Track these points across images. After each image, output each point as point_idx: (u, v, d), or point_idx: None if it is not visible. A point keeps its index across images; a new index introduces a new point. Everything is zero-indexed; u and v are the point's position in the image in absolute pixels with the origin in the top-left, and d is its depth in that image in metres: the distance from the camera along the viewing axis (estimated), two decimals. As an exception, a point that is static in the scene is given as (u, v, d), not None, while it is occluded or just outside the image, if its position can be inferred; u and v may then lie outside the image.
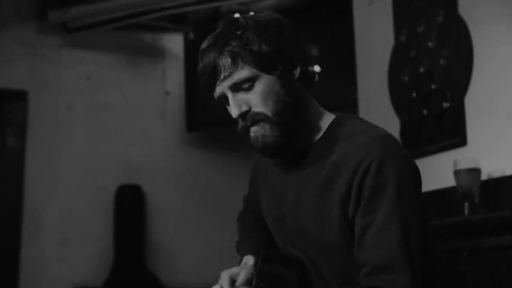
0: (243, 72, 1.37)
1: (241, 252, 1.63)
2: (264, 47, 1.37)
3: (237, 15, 1.45)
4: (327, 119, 1.48)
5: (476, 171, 2.49)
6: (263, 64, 1.37)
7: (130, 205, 4.45)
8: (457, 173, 2.51)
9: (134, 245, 4.40)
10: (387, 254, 1.30)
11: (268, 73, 1.38)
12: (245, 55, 1.36)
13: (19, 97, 4.36)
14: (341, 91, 4.03)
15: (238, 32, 1.38)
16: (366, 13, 3.51)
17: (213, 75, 1.39)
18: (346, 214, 1.36)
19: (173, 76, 4.78)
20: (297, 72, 1.42)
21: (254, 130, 1.41)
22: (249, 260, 1.54)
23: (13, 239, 4.20)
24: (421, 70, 3.02)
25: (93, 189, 4.42)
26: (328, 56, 4.39)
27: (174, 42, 4.80)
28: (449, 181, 2.57)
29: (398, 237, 1.30)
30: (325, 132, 1.46)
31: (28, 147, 4.33)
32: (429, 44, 2.99)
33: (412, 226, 1.32)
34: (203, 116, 4.62)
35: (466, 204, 2.46)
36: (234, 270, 1.50)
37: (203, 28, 4.54)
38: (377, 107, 3.28)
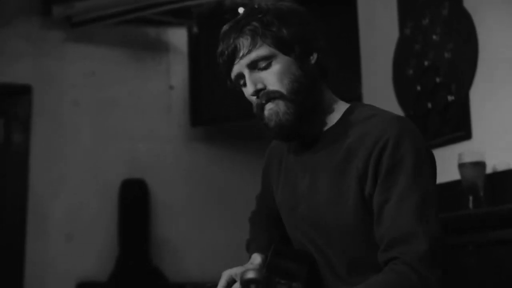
0: (262, 50, 1.41)
1: (250, 251, 1.64)
2: (283, 29, 1.41)
3: (257, 4, 1.48)
4: (342, 106, 1.51)
5: (481, 165, 2.48)
6: (282, 45, 1.41)
7: (134, 200, 4.45)
8: (461, 166, 2.50)
9: (139, 240, 4.40)
10: (404, 227, 1.31)
11: (286, 54, 1.42)
12: (265, 34, 1.41)
13: (24, 92, 4.36)
14: (346, 85, 4.02)
15: (260, 16, 1.42)
16: (371, 6, 3.49)
17: (232, 54, 1.43)
18: (363, 193, 1.37)
19: (177, 71, 4.77)
20: (314, 58, 1.46)
21: (269, 108, 1.43)
22: (255, 258, 1.55)
23: (18, 234, 4.21)
24: (426, 63, 3.01)
25: (97, 184, 4.43)
26: (332, 50, 4.38)
27: (178, 36, 4.80)
28: (454, 175, 2.56)
29: (415, 209, 1.31)
30: (340, 119, 1.48)
31: (32, 142, 4.34)
32: (434, 37, 2.97)
33: (429, 199, 1.33)
34: (207, 110, 4.61)
35: (471, 198, 2.45)
36: (235, 270, 1.50)
37: (207, 22, 4.53)
38: (381, 101, 3.26)
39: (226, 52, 1.44)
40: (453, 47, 2.86)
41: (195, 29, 4.67)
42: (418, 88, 3.04)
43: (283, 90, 1.41)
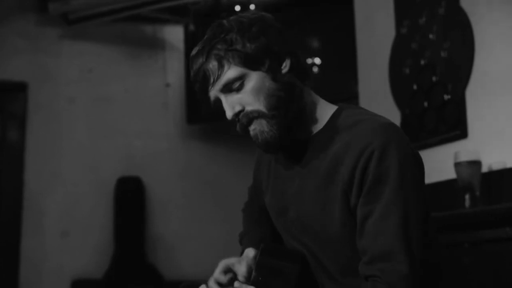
0: (231, 73, 1.39)
1: (243, 244, 1.64)
2: (248, 45, 1.39)
3: (222, 19, 1.46)
4: (329, 110, 1.48)
5: (477, 164, 2.49)
6: (249, 61, 1.39)
7: (130, 197, 4.45)
8: (457, 165, 2.51)
9: (134, 237, 4.40)
10: (386, 243, 1.30)
11: (256, 69, 1.40)
12: (230, 55, 1.38)
13: (19, 88, 4.35)
14: (342, 84, 4.03)
15: (222, 35, 1.40)
16: (368, 5, 3.49)
17: (204, 81, 1.42)
18: (348, 203, 1.37)
19: (174, 68, 4.77)
20: (287, 65, 1.43)
21: (252, 128, 1.42)
22: (250, 252, 1.55)
23: (13, 231, 4.20)
24: (423, 62, 3.01)
25: (93, 181, 4.42)
26: (329, 48, 4.38)
27: (175, 34, 4.79)
28: (450, 174, 2.57)
29: (398, 226, 1.30)
30: (326, 123, 1.46)
31: (28, 139, 4.33)
32: (431, 36, 2.98)
33: (413, 215, 1.32)
34: (204, 108, 4.60)
35: (467, 197, 2.46)
36: (233, 260, 1.51)
37: (204, 19, 4.53)
38: (378, 100, 3.27)
39: (197, 80, 1.43)
40: (449, 46, 2.86)
41: (191, 27, 4.67)
42: (415, 87, 3.05)
43: (262, 108, 1.40)
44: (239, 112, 1.41)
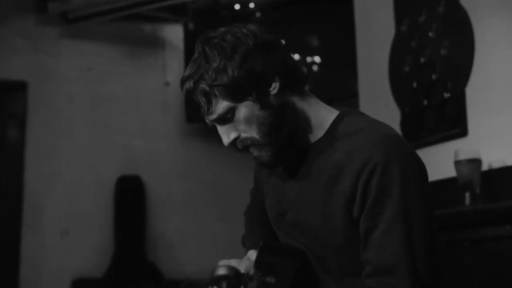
0: (220, 107, 1.39)
1: (246, 246, 1.65)
2: (232, 76, 1.36)
3: (205, 42, 1.41)
4: (329, 116, 1.48)
5: (476, 162, 2.49)
6: (235, 94, 1.38)
7: (130, 196, 4.45)
8: (457, 163, 2.51)
9: (134, 236, 4.40)
10: (390, 258, 1.31)
11: (243, 100, 1.39)
12: (216, 90, 1.38)
13: (19, 88, 4.34)
14: (342, 82, 4.02)
15: (207, 66, 1.38)
16: (367, 3, 3.49)
17: (196, 106, 1.43)
18: (350, 215, 1.37)
19: (173, 67, 4.76)
20: (276, 86, 1.40)
21: (250, 152, 1.45)
22: (251, 255, 1.55)
23: (13, 230, 4.19)
24: (422, 60, 3.01)
25: (93, 180, 4.42)
26: (329, 46, 4.38)
27: (174, 33, 4.78)
28: (450, 172, 2.57)
29: (402, 242, 1.31)
30: (328, 130, 1.46)
31: (28, 138, 4.32)
32: (430, 34, 2.98)
33: (417, 232, 1.32)
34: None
35: (467, 195, 2.46)
36: (232, 262, 1.50)
37: (203, 18, 4.52)
38: (377, 98, 3.27)
39: (190, 102, 1.44)
40: (449, 44, 2.86)
41: (191, 26, 4.67)
42: (414, 85, 3.04)
43: (255, 135, 1.41)
44: (235, 139, 1.43)
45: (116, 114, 4.57)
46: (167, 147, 4.68)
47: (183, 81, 1.42)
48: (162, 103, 4.72)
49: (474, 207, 2.40)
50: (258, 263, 1.44)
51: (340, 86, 3.99)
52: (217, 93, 1.38)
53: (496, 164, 2.55)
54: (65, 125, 4.43)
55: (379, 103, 3.22)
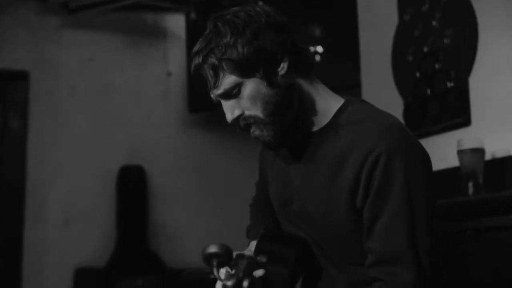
0: (226, 82, 1.39)
1: (250, 237, 1.65)
2: (242, 52, 1.37)
3: (219, 18, 1.43)
4: (334, 104, 1.47)
5: (480, 151, 2.48)
6: (243, 70, 1.38)
7: (132, 186, 4.46)
8: (461, 153, 2.50)
9: (136, 226, 4.41)
10: (394, 248, 1.31)
11: (251, 76, 1.39)
12: (224, 64, 1.38)
13: (21, 78, 4.34)
14: (345, 72, 4.01)
15: (217, 40, 1.38)
16: (370, -8, 3.47)
17: (204, 80, 1.43)
18: (354, 204, 1.37)
19: (175, 57, 4.76)
20: (285, 66, 1.41)
21: (252, 131, 1.43)
22: (253, 246, 1.54)
23: (16, 220, 4.21)
24: (425, 49, 3.00)
25: (95, 170, 4.42)
26: (331, 36, 4.37)
27: (176, 22, 4.77)
28: (453, 161, 2.56)
29: (406, 233, 1.31)
30: (332, 118, 1.46)
31: (30, 128, 4.33)
32: (434, 23, 2.96)
33: (420, 222, 1.33)
34: (205, 97, 4.56)
35: (470, 184, 2.45)
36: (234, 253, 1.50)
37: (205, 7, 4.50)
38: (380, 87, 3.26)
39: (197, 77, 1.44)
40: (452, 33, 2.85)
41: (193, 15, 4.65)
42: (417, 74, 3.03)
43: (259, 114, 1.40)
44: (238, 116, 1.42)
45: (118, 104, 4.57)
46: (169, 137, 4.68)
47: (192, 55, 1.43)
48: (164, 93, 4.72)
49: (477, 196, 2.40)
50: (258, 251, 1.44)
51: (342, 75, 3.97)
52: (225, 67, 1.38)
53: (500, 154, 2.54)
54: (67, 115, 4.43)
55: (381, 92, 3.21)
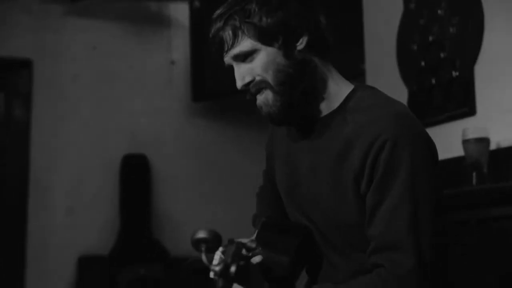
0: (244, 45, 1.40)
1: (255, 226, 1.65)
2: (265, 19, 1.38)
3: None
4: (344, 89, 1.48)
5: (484, 141, 2.47)
6: (263, 36, 1.39)
7: (136, 175, 4.46)
8: (465, 142, 2.49)
9: (140, 214, 4.42)
10: (395, 235, 1.31)
11: (269, 44, 1.40)
12: (246, 28, 1.39)
13: (24, 66, 4.34)
14: (349, 60, 3.99)
15: (242, 4, 1.40)
16: (375, -20, 3.45)
17: (219, 47, 1.43)
18: (359, 190, 1.37)
19: (179, 45, 4.74)
20: (304, 41, 1.42)
21: (259, 99, 1.44)
22: None
23: (20, 208, 4.22)
24: (431, 38, 2.98)
25: (99, 158, 4.43)
26: (335, 24, 4.34)
27: (180, 10, 4.75)
28: (458, 151, 2.56)
29: (408, 220, 1.31)
30: (342, 103, 1.46)
31: (34, 116, 4.33)
32: (439, 11, 2.94)
33: (423, 210, 1.32)
34: (209, 85, 4.58)
35: (474, 174, 2.45)
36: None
37: (209, -4, 4.49)
38: (385, 76, 3.25)
39: (214, 43, 1.44)
40: (458, 22, 2.83)
41: (196, 3, 4.63)
42: (422, 63, 3.02)
43: (270, 81, 1.41)
44: (249, 82, 1.42)
45: (121, 92, 4.57)
46: (172, 126, 4.68)
47: (214, 19, 1.43)
48: (168, 82, 4.71)
49: (481, 186, 2.40)
50: (258, 239, 1.44)
51: (347, 64, 3.95)
52: (246, 31, 1.39)
53: (504, 143, 2.53)
54: (71, 103, 4.43)
55: (386, 81, 3.19)
